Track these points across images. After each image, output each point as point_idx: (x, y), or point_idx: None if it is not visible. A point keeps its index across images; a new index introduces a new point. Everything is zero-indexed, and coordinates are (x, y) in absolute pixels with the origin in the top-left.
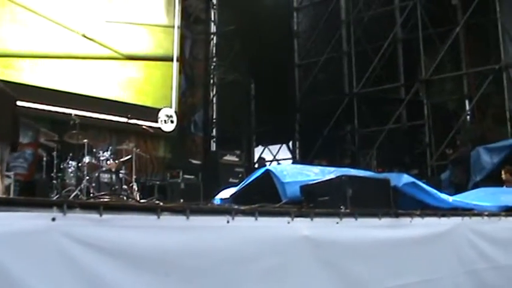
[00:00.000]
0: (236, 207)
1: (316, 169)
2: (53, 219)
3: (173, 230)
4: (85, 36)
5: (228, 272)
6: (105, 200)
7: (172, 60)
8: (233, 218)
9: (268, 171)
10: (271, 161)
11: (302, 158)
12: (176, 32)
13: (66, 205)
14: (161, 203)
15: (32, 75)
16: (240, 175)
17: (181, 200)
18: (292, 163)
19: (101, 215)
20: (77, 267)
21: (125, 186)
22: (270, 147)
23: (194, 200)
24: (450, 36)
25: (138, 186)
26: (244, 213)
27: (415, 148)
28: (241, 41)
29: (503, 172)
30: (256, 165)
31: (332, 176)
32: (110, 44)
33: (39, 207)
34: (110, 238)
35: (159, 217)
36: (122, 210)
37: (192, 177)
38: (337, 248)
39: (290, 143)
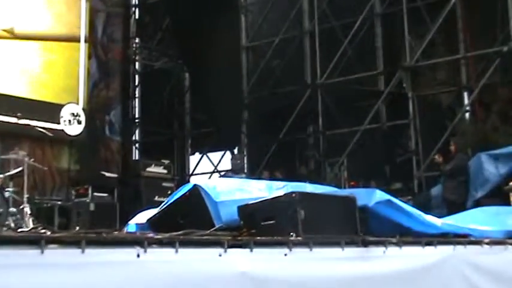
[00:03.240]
0: (150, 235)
1: (260, 184)
2: None
3: (62, 269)
4: None
5: None
6: None
7: (78, 40)
8: (145, 251)
9: (196, 188)
10: (211, 173)
11: (251, 168)
12: (83, 3)
13: None
14: (48, 232)
15: None
16: (169, 192)
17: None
18: None
19: None
20: None
21: (12, 209)
22: (210, 155)
23: (107, 226)
24: (444, 9)
25: (31, 209)
26: (161, 243)
27: (397, 155)
28: (171, 16)
29: None
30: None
31: (280, 192)
32: None
33: None
34: None
35: (43, 252)
36: None
37: (106, 195)
38: None
39: (236, 150)
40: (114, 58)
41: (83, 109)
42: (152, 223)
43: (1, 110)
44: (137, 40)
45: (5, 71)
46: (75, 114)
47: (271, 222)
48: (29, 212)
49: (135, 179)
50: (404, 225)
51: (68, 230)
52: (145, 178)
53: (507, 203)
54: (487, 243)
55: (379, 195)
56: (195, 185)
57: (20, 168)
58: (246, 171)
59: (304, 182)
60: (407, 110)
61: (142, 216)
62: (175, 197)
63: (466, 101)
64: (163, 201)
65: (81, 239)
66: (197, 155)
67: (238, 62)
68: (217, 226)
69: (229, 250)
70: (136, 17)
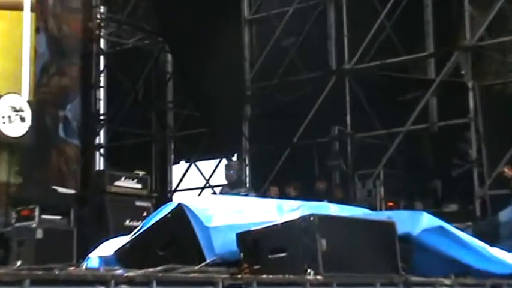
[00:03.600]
0: (119, 272)
1: (267, 204)
2: None
3: None
4: None
5: None
6: None
7: (22, 9)
8: None
9: (181, 208)
10: (201, 188)
11: (254, 183)
12: None
13: None
14: None
15: None
16: (145, 214)
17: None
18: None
19: None
20: None
21: None
22: (200, 164)
23: (60, 260)
24: None
25: None
26: (133, 283)
27: (452, 167)
28: None
29: None
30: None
31: (294, 215)
32: None
33: None
34: None
35: None
36: None
37: (58, 218)
38: None
39: (234, 157)
40: (70, 33)
41: (28, 102)
42: (121, 256)
43: None
44: (102, 9)
45: None
46: (17, 108)
47: (282, 254)
48: None
49: (98, 197)
50: (462, 261)
51: (6, 265)
52: (113, 195)
53: None
54: None
55: (428, 220)
56: (179, 204)
57: None
58: (247, 185)
59: (326, 201)
60: (466, 106)
61: (109, 247)
62: (153, 220)
63: None
64: (137, 227)
65: (23, 277)
66: (183, 164)
67: (239, 40)
68: (209, 260)
69: None
70: None
